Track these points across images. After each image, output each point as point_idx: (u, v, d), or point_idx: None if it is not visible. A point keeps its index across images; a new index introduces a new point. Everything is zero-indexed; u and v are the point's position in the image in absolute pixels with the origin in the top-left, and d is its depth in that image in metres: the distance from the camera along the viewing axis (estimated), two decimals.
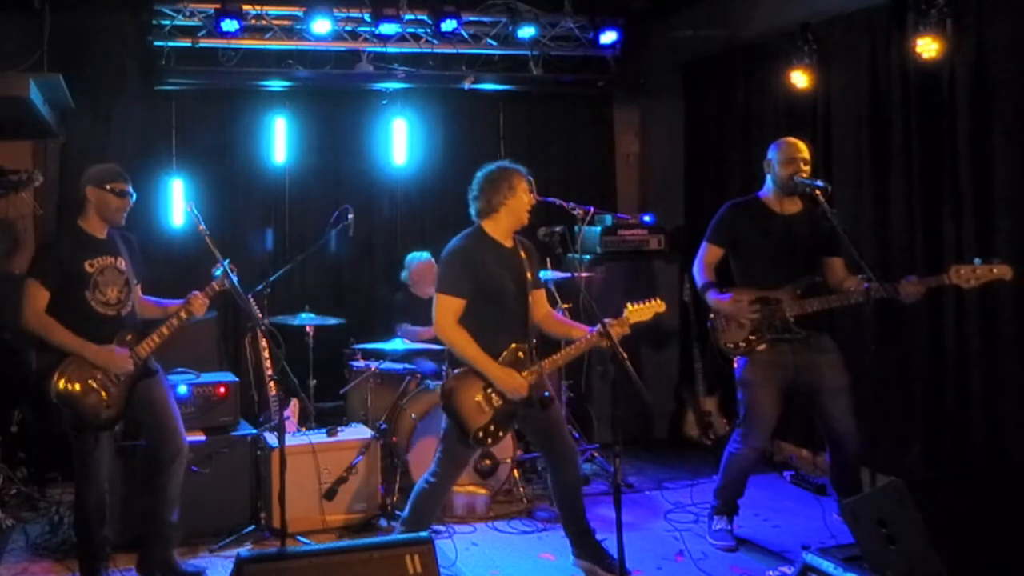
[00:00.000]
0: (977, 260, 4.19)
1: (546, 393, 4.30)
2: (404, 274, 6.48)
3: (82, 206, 4.30)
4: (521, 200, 4.26)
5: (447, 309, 4.19)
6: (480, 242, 4.29)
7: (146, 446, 4.54)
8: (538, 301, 4.43)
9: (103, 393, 4.16)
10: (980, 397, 4.92)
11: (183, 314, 4.29)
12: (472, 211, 4.34)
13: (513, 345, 4.24)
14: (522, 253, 4.35)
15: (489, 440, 4.25)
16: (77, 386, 4.12)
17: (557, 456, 4.41)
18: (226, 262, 4.29)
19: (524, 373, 4.21)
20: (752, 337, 4.62)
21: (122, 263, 4.32)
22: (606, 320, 4.11)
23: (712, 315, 4.73)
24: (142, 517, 4.49)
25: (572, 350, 4.29)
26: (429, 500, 4.37)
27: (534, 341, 4.29)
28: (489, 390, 4.21)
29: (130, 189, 4.30)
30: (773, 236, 4.66)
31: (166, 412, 4.38)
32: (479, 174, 4.33)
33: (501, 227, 4.30)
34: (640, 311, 4.27)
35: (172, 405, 4.44)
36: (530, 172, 4.20)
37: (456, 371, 4.28)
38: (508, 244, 4.33)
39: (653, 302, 4.30)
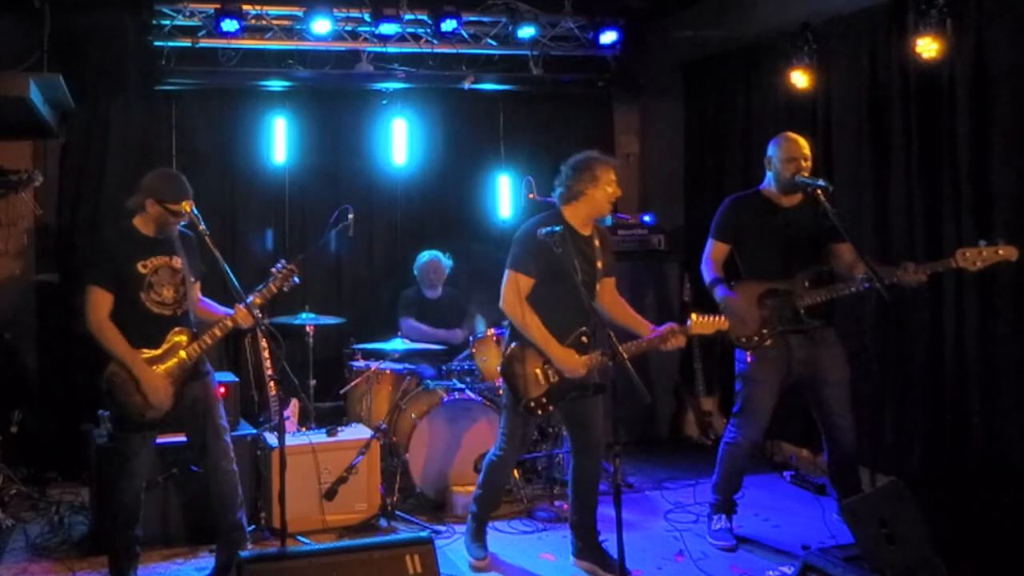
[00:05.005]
0: (982, 242, 4.21)
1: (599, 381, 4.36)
2: (416, 273, 6.50)
3: (140, 206, 4.17)
4: (603, 191, 4.31)
5: (514, 285, 4.30)
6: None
7: (188, 448, 4.48)
8: (607, 288, 4.49)
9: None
10: (980, 397, 4.91)
11: (229, 323, 4.24)
12: (555, 196, 4.42)
13: (579, 329, 4.31)
14: (597, 241, 4.41)
15: (539, 411, 4.34)
16: (127, 381, 4.10)
17: (582, 444, 4.48)
18: (280, 263, 4.27)
19: (584, 357, 4.27)
20: (765, 331, 4.62)
21: (178, 262, 4.23)
22: (669, 325, 4.27)
23: (721, 310, 4.72)
24: (210, 517, 4.43)
25: (639, 346, 4.31)
26: (497, 471, 4.54)
27: (603, 327, 4.23)
28: (547, 365, 4.29)
29: (191, 209, 4.11)
30: (776, 228, 4.66)
31: (208, 418, 4.30)
32: (569, 160, 4.40)
33: (579, 214, 4.36)
34: (704, 324, 4.28)
35: (216, 408, 4.35)
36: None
37: (517, 342, 4.34)
38: (584, 231, 4.39)
39: (718, 318, 4.31)
